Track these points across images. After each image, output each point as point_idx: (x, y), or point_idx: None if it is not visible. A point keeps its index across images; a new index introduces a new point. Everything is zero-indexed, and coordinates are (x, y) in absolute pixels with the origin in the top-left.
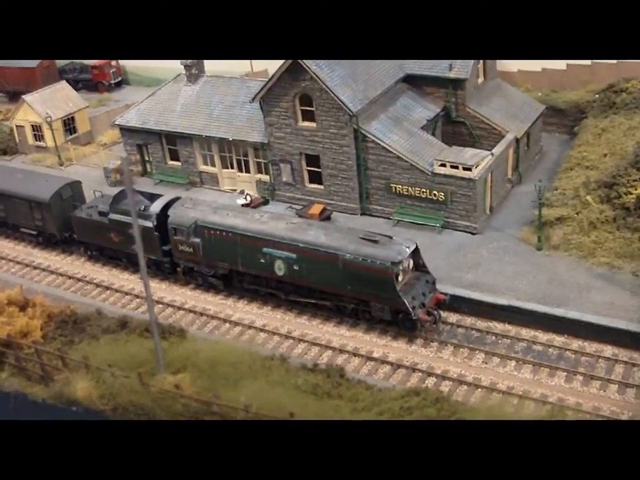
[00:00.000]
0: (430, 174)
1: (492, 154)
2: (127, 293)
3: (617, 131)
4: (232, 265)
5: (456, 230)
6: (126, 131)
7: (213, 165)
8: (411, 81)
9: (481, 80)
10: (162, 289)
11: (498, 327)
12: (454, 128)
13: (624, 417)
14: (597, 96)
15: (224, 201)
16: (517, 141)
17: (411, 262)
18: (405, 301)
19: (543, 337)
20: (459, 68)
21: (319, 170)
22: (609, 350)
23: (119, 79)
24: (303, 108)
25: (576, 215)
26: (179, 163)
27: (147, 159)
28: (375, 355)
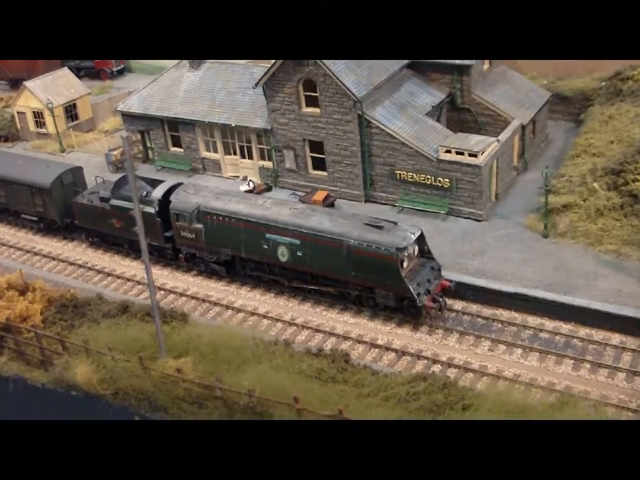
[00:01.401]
0: (435, 160)
1: (498, 140)
2: (128, 279)
3: (624, 118)
4: (235, 251)
5: (461, 217)
6: (128, 117)
7: (216, 151)
8: (416, 67)
9: (486, 67)
10: (164, 276)
11: (504, 314)
12: (459, 115)
13: (632, 405)
14: (604, 83)
15: (226, 188)
16: (523, 127)
17: (416, 248)
18: (410, 287)
19: (549, 324)
20: None
21: (323, 156)
22: (616, 338)
23: (121, 66)
24: (306, 93)
25: (583, 202)
26: (181, 150)
27: (149, 145)
28: (380, 342)
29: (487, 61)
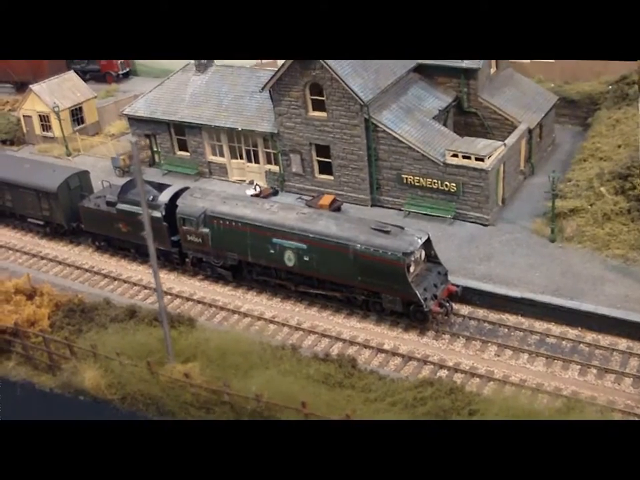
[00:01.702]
0: (442, 164)
1: (504, 144)
2: (135, 284)
3: (631, 122)
4: (241, 256)
5: (467, 221)
6: (134, 120)
7: (222, 155)
8: (423, 70)
9: (493, 70)
10: (170, 280)
11: (511, 319)
12: (466, 118)
13: (639, 411)
14: (610, 87)
15: (233, 192)
16: (530, 131)
17: (423, 253)
18: (417, 292)
19: (556, 329)
20: None
21: (329, 160)
22: (623, 343)
23: (127, 69)
24: (313, 97)
25: (590, 207)
26: (188, 153)
27: (155, 149)
28: (386, 346)
29: (494, 64)
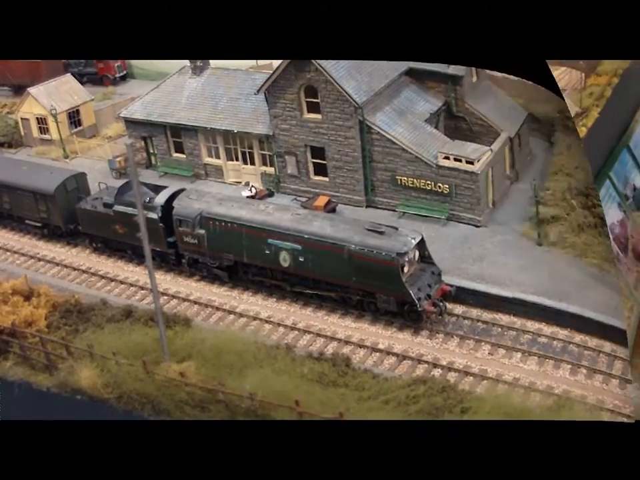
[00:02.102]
0: (434, 166)
1: (491, 150)
2: (131, 285)
3: (578, 149)
4: (237, 257)
5: (460, 222)
6: (131, 123)
7: (218, 157)
8: (413, 74)
9: (475, 79)
10: (166, 281)
11: (503, 318)
12: (455, 123)
13: (626, 411)
14: (558, 115)
15: (229, 193)
16: (511, 140)
17: (417, 253)
18: (411, 292)
19: (547, 329)
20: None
21: (324, 162)
22: (608, 346)
23: (124, 72)
24: (308, 100)
25: (566, 216)
26: (184, 156)
27: (151, 151)
28: (381, 346)
29: (474, 73)
